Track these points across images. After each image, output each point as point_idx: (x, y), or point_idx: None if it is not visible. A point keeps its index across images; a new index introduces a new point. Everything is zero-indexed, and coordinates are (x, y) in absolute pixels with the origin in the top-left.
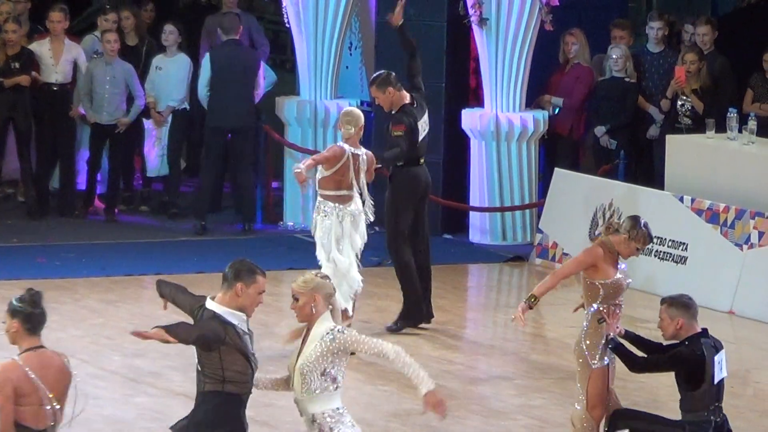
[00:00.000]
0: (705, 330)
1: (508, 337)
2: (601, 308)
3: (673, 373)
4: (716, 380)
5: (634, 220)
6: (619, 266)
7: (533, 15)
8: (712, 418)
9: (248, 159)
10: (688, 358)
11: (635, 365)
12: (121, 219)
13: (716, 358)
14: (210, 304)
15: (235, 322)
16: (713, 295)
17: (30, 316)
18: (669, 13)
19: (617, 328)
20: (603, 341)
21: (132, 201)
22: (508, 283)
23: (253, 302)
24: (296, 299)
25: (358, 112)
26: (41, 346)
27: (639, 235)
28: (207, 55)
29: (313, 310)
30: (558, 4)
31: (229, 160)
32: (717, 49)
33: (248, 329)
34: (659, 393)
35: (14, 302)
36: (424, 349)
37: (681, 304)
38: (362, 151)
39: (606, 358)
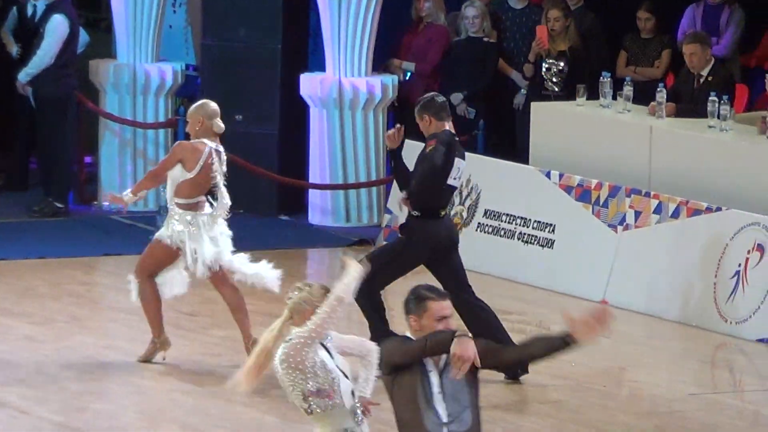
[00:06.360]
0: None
1: (353, 331)
2: None
3: None
4: None
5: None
6: None
7: None
8: None
9: (58, 130)
10: None
11: None
12: None
13: None
14: None
15: None
16: (584, 282)
17: None
18: None
19: None
20: None
21: None
22: None
23: None
24: None
25: (201, 104)
26: None
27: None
28: (63, 16)
29: None
30: None
31: (36, 131)
32: (586, 4)
33: None
34: None
35: None
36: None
37: None
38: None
39: None
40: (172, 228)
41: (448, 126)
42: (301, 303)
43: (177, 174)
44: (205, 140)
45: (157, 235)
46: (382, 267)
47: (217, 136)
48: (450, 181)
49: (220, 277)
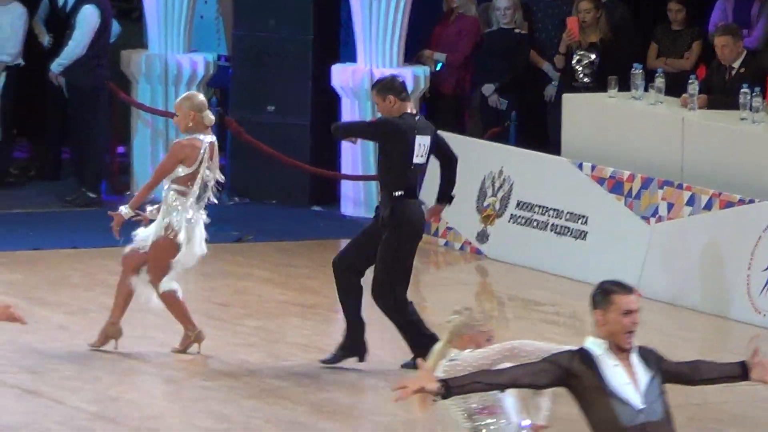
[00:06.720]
0: None
1: (386, 323)
2: None
3: None
4: None
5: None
6: None
7: None
8: None
9: (90, 120)
10: None
11: None
12: None
13: None
14: None
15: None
16: (617, 274)
17: None
18: None
19: None
20: None
21: None
22: None
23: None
24: None
25: (188, 97)
26: None
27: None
28: (94, 7)
29: None
30: None
31: (69, 121)
32: None
33: None
34: None
35: None
36: (290, 336)
37: None
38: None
39: None
40: (180, 215)
41: (410, 107)
42: (461, 328)
43: (176, 171)
44: (199, 135)
45: (152, 240)
46: (396, 278)
47: (209, 128)
48: (416, 159)
49: (138, 260)
